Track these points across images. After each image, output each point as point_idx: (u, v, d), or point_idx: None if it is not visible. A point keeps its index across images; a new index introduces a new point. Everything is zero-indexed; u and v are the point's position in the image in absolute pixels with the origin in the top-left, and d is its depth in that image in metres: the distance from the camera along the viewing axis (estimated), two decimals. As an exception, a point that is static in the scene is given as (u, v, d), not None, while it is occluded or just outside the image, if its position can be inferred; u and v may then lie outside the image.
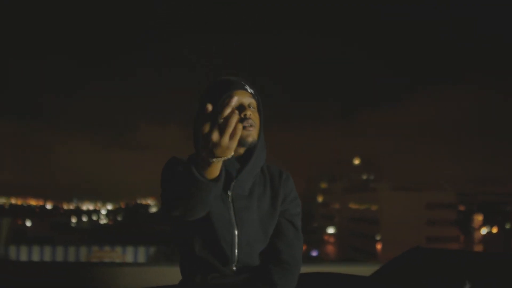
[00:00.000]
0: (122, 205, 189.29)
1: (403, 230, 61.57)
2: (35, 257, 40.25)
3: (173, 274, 3.40)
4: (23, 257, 40.18)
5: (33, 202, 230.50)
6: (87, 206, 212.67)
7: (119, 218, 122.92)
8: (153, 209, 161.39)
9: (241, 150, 1.90)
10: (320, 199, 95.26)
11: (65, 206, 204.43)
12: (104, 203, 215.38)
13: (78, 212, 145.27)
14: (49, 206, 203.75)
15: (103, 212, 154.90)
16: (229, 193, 1.88)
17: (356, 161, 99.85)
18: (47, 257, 40.35)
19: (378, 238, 64.40)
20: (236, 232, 1.87)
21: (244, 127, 1.82)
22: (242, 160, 1.91)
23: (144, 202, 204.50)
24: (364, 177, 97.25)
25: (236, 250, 1.87)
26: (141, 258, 40.28)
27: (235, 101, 1.57)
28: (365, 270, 3.80)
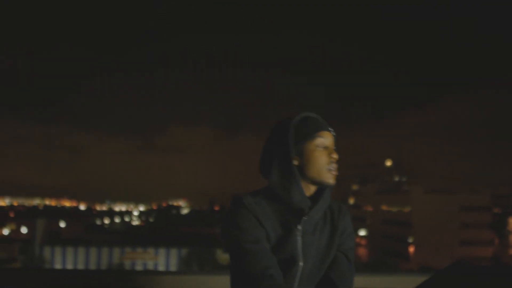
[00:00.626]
0: (154, 206, 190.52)
1: (436, 233, 60.89)
2: (69, 258, 40.78)
3: (215, 283, 3.42)
4: (58, 257, 40.73)
5: (67, 204, 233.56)
6: (119, 207, 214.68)
7: (151, 220, 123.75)
8: (185, 210, 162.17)
9: (314, 189, 1.96)
10: (351, 201, 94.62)
11: (98, 208, 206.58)
12: (136, 204, 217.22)
13: (111, 214, 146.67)
14: (82, 207, 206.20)
15: (135, 213, 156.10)
16: (299, 227, 1.92)
17: (388, 163, 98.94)
18: (81, 258, 40.85)
19: (410, 241, 63.77)
20: (300, 265, 1.91)
21: (329, 170, 1.91)
22: (312, 197, 1.97)
23: (175, 203, 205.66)
24: (396, 179, 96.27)
25: (297, 283, 1.92)
26: (173, 259, 40.53)
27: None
28: (397, 281, 3.75)
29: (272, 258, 1.84)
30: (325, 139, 1.92)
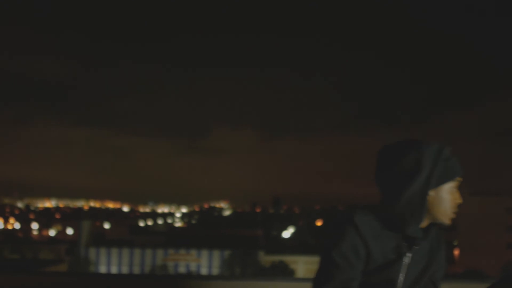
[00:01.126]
0: (196, 208, 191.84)
1: (481, 236, 59.77)
2: (114, 259, 41.36)
3: None
4: (103, 258, 41.36)
5: (111, 205, 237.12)
6: (162, 209, 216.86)
7: (193, 221, 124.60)
8: (227, 212, 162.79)
9: (427, 222, 1.96)
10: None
11: (141, 209, 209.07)
12: (178, 206, 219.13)
13: (154, 215, 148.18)
14: (126, 209, 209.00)
15: (178, 215, 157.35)
16: (408, 255, 1.93)
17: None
18: (125, 259, 41.39)
19: (455, 244, 62.79)
20: None
21: (453, 213, 1.95)
22: (424, 228, 1.98)
23: (217, 205, 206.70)
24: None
25: None
26: (216, 261, 40.71)
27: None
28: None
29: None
30: (458, 182, 1.93)
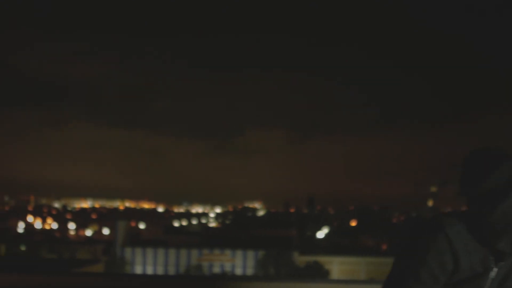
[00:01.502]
0: (230, 208, 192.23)
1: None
2: (149, 259, 41.72)
3: None
4: (138, 258, 41.75)
5: (146, 205, 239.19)
6: (196, 209, 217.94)
7: (227, 221, 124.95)
8: (260, 212, 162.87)
9: None
10: (430, 203, 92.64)
11: (176, 209, 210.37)
12: (212, 206, 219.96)
13: (188, 215, 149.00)
14: (160, 209, 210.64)
15: (212, 215, 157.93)
16: (495, 269, 1.88)
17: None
18: (160, 259, 41.73)
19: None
20: None
21: None
22: None
23: (251, 205, 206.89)
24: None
25: None
26: (250, 262, 40.75)
27: None
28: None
29: None
30: None
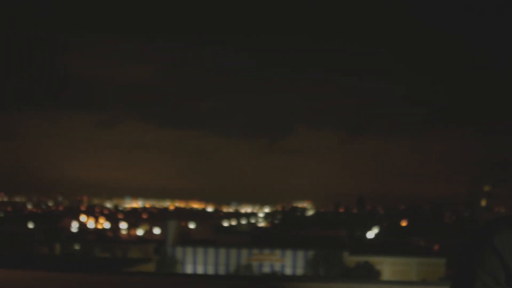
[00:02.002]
0: (279, 208, 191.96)
1: None
2: (200, 258, 42.06)
3: None
4: (189, 258, 42.14)
5: (195, 205, 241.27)
6: (245, 209, 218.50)
7: (276, 221, 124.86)
8: (310, 212, 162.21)
9: None
10: (483, 203, 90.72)
11: (225, 209, 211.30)
12: (261, 206, 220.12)
13: (237, 215, 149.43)
14: (210, 209, 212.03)
15: (261, 215, 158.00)
16: None
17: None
18: (210, 259, 42.03)
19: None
20: None
21: None
22: None
23: (300, 205, 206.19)
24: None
25: None
26: (300, 262, 40.65)
27: None
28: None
29: None
30: None
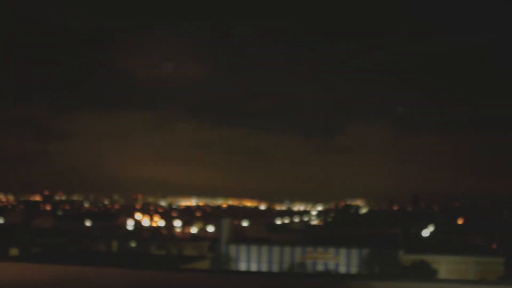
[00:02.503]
0: (332, 206, 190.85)
1: None
2: (253, 256, 42.11)
3: None
4: (243, 256, 42.23)
5: (248, 203, 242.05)
6: (298, 207, 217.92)
7: (329, 219, 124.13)
8: (363, 210, 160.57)
9: None
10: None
11: (278, 207, 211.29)
12: (314, 204, 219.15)
13: (290, 213, 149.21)
14: (262, 207, 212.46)
15: (314, 213, 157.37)
16: None
17: None
18: (264, 257, 42.02)
19: None
20: None
21: None
22: None
23: (353, 203, 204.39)
24: None
25: None
26: (354, 260, 40.20)
27: None
28: None
29: None
30: None
